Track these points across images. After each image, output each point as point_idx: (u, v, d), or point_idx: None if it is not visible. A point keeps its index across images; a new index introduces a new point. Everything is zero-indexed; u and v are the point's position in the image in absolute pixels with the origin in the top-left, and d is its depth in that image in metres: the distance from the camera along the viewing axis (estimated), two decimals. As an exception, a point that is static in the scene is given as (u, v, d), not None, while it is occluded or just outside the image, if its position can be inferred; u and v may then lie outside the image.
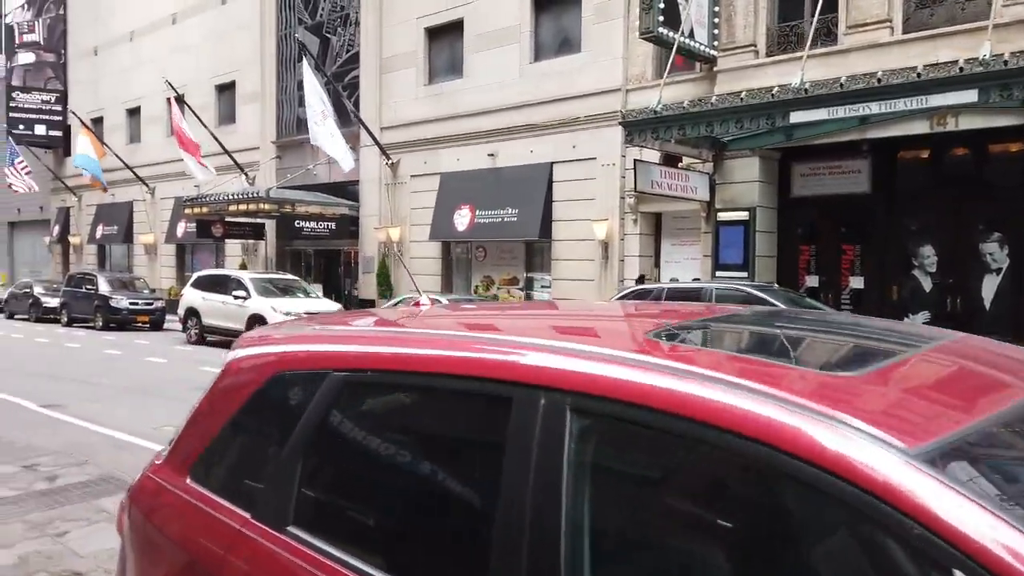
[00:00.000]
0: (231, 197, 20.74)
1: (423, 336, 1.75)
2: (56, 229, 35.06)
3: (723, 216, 14.03)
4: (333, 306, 16.58)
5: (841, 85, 10.47)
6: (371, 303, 20.07)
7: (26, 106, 33.86)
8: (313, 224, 21.24)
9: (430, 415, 1.64)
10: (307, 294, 17.14)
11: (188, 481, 2.05)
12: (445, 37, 19.68)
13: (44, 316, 23.44)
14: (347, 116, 20.99)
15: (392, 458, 1.68)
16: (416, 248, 20.22)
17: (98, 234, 31.91)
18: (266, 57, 24.54)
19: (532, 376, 1.39)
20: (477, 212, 18.21)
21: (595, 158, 16.34)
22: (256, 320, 15.58)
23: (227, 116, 26.44)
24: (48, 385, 11.10)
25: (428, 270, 19.93)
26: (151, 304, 21.38)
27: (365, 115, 20.56)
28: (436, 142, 19.63)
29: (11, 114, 33.67)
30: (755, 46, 13.99)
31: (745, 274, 13.51)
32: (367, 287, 21.27)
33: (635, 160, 13.02)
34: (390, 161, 20.59)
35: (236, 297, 15.94)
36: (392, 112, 20.82)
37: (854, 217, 13.79)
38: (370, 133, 20.10)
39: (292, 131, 24.10)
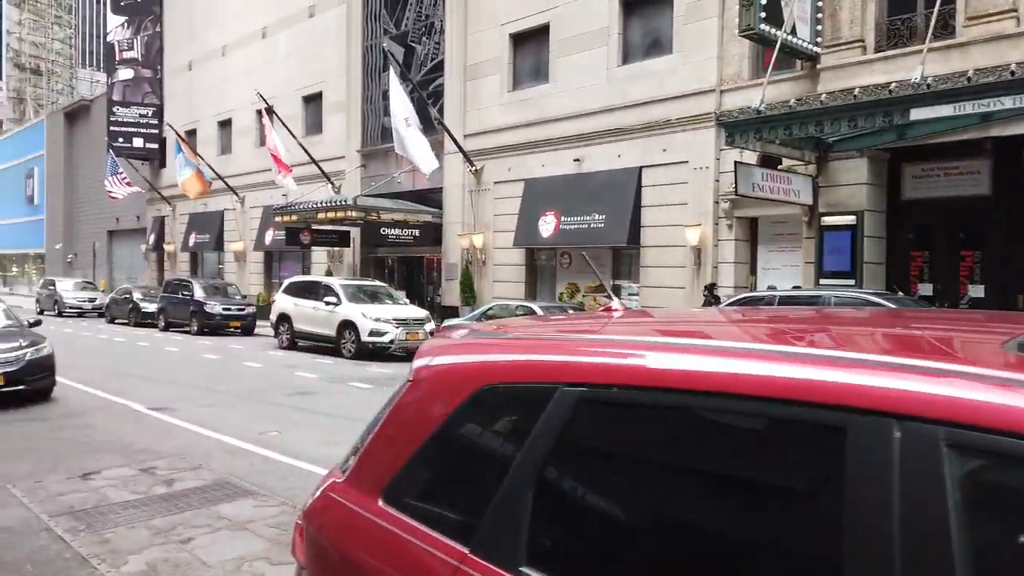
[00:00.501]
0: (319, 205, 21.13)
1: (691, 347, 1.47)
2: (152, 237, 36.66)
3: (828, 220, 13.33)
4: (420, 312, 16.59)
5: (968, 79, 9.74)
6: (454, 310, 20.07)
7: (125, 120, 35.59)
8: (398, 231, 21.42)
9: (709, 444, 1.36)
10: (395, 300, 17.22)
11: (381, 504, 1.84)
12: (530, 42, 19.55)
13: (142, 321, 24.41)
14: (431, 124, 21.15)
15: (656, 495, 1.41)
16: (499, 255, 20.12)
17: (191, 242, 33.17)
18: (352, 67, 24.99)
19: (884, 402, 1.10)
20: (563, 218, 17.96)
21: (687, 161, 15.85)
22: (346, 326, 15.74)
23: (314, 126, 27.05)
24: (154, 388, 11.40)
25: (511, 277, 19.80)
26: (243, 310, 21.96)
27: (449, 122, 20.62)
28: (521, 148, 19.49)
29: (111, 128, 35.47)
30: (862, 42, 13.26)
31: (852, 281, 12.79)
32: (450, 294, 21.30)
33: (736, 162, 12.50)
34: (474, 168, 20.57)
35: (327, 303, 16.14)
36: (476, 119, 20.81)
37: (973, 221, 12.89)
38: (454, 140, 20.13)
39: (377, 140, 24.45)
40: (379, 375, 13.12)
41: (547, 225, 18.26)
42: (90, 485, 6.16)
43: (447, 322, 14.75)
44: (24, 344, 10.06)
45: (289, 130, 24.68)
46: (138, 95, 35.85)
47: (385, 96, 24.12)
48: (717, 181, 15.37)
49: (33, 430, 8.30)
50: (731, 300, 10.65)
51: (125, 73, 35.80)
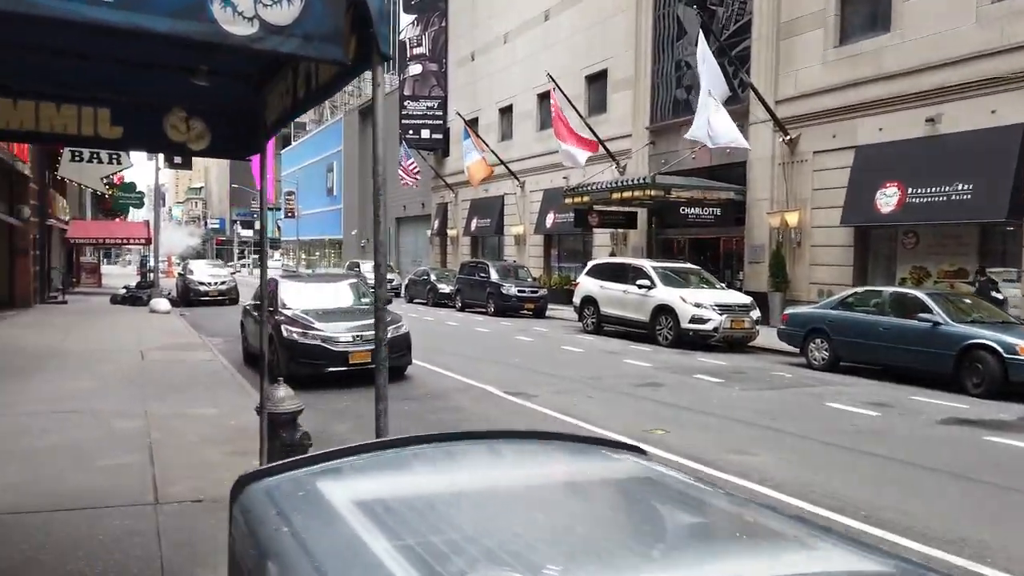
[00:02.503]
0: (613, 185, 20.33)
1: None
2: (436, 223, 38.90)
3: None
4: (744, 298, 14.98)
5: None
6: (760, 297, 18.11)
7: (414, 113, 38.02)
8: (697, 210, 19.91)
9: None
10: (711, 284, 15.78)
11: None
12: (865, -12, 16.89)
13: (439, 301, 25.60)
14: (734, 93, 19.36)
15: None
16: (819, 234, 17.78)
17: (472, 226, 34.53)
18: (641, 40, 23.84)
19: None
20: (908, 190, 15.23)
21: (1105, 112, 12.43)
22: (662, 311, 14.67)
23: (597, 106, 26.42)
24: (493, 369, 11.17)
25: (835, 260, 17.39)
26: (536, 292, 21.96)
27: (757, 88, 18.61)
28: (850, 111, 16.95)
29: (403, 121, 38.09)
30: None
31: None
32: (755, 278, 19.36)
33: None
34: (788, 137, 18.37)
35: (639, 286, 15.18)
36: (790, 82, 18.57)
37: None
38: (766, 106, 18.10)
39: (667, 114, 23.10)
40: (718, 367, 11.80)
41: (887, 199, 15.63)
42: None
43: (790, 310, 13.01)
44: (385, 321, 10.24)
45: (576, 109, 24.28)
46: (425, 89, 38.07)
47: (678, 67, 22.72)
48: None
49: (412, 410, 8.19)
50: None
51: (414, 69, 38.19)
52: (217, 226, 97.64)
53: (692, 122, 21.82)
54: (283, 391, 4.77)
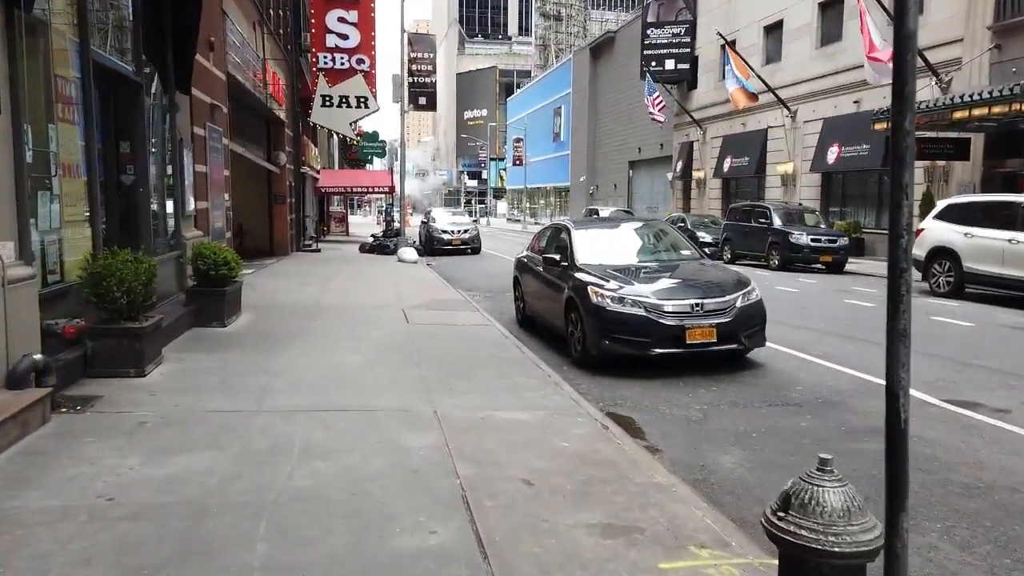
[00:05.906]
0: (961, 100, 15.40)
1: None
2: (679, 165, 35.00)
3: None
4: None
5: None
6: None
7: (657, 42, 34.13)
8: (1088, 130, 14.46)
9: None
10: None
11: None
12: None
13: (699, 252, 22.17)
14: None
15: None
16: None
17: (725, 167, 30.29)
18: (987, -91, 18.09)
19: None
20: None
21: None
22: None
23: (908, 6, 20.94)
24: (860, 352, 7.79)
25: None
26: (834, 241, 17.77)
27: None
28: None
29: (645, 51, 34.38)
30: None
31: None
32: None
33: None
34: None
35: (1047, 234, 10.76)
36: None
37: None
38: None
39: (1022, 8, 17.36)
40: None
41: None
42: None
43: None
44: (729, 284, 7.25)
45: (886, 10, 19.22)
46: (672, 13, 33.93)
47: (1047, -62, 16.87)
48: None
49: (815, 432, 5.17)
50: None
51: (660, -9, 34.15)
52: (445, 177, 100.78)
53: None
54: (837, 496, 1.94)
